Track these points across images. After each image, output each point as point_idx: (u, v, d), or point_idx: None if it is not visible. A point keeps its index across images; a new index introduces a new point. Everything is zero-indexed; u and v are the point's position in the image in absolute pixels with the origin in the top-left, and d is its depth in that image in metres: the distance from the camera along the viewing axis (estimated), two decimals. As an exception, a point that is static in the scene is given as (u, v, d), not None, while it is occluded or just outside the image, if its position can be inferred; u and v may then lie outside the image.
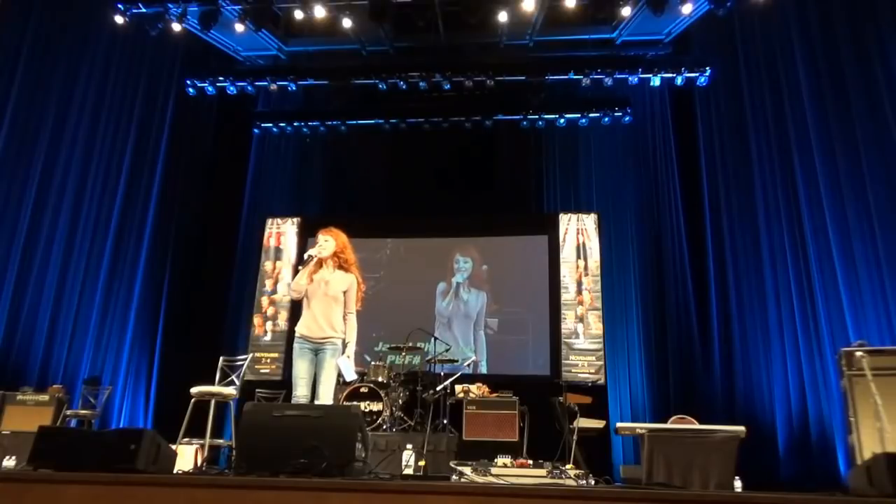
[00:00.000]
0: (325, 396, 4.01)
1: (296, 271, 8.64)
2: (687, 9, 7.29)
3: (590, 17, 7.90)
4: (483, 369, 7.84)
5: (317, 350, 4.10)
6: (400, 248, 8.72)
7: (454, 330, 8.18)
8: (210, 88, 8.71)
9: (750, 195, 6.96)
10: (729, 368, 6.93)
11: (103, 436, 2.98)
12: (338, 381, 4.36)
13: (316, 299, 4.11)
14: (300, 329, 4.15)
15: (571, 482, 4.21)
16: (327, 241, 4.21)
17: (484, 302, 8.29)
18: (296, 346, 4.16)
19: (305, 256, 4.18)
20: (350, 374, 4.09)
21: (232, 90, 8.73)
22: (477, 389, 6.18)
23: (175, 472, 3.22)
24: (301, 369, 4.10)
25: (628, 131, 8.55)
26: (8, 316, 6.48)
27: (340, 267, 4.20)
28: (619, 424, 4.58)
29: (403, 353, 7.02)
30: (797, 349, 6.22)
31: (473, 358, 6.62)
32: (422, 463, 5.10)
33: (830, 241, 5.99)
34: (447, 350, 6.89)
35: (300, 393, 4.05)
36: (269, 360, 8.26)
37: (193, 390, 5.10)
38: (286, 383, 7.61)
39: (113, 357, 7.44)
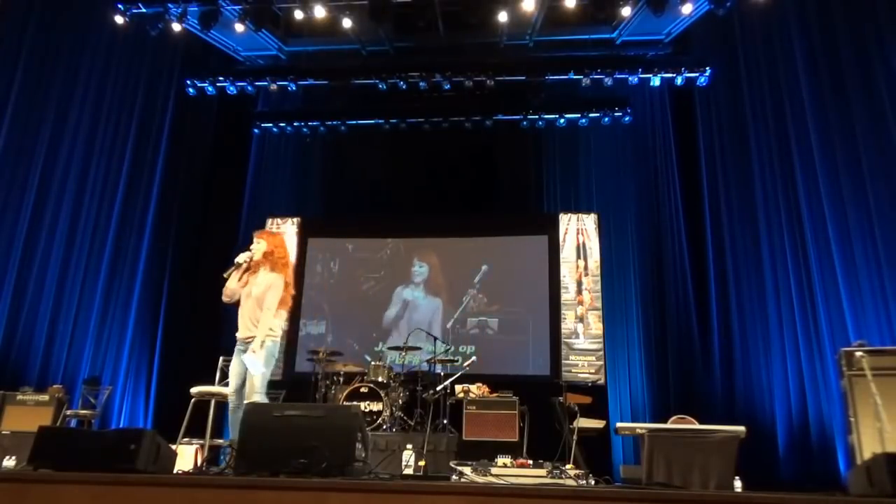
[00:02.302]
0: (252, 393, 4.01)
1: (295, 270, 8.65)
2: (687, 9, 7.29)
3: (590, 17, 7.90)
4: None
5: (246, 350, 4.13)
6: (400, 248, 8.71)
7: (401, 331, 8.14)
8: (210, 88, 8.71)
9: (750, 195, 6.96)
10: (729, 368, 6.93)
11: (103, 436, 2.98)
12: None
13: (243, 300, 4.25)
14: (237, 333, 4.27)
15: (571, 482, 4.21)
16: (258, 244, 4.32)
17: (438, 309, 8.27)
18: (235, 348, 4.27)
19: (234, 262, 4.26)
20: (257, 369, 4.02)
21: (232, 90, 8.73)
22: (477, 389, 6.17)
23: (175, 472, 3.22)
24: (232, 366, 4.22)
25: (628, 131, 8.54)
26: (8, 316, 6.48)
27: (272, 268, 4.28)
28: (619, 424, 4.58)
29: (403, 353, 7.03)
30: (797, 349, 6.22)
31: (474, 358, 6.62)
32: (422, 463, 5.10)
33: (830, 241, 5.99)
34: (447, 350, 6.89)
35: (226, 391, 4.19)
36: (269, 360, 8.24)
37: (193, 390, 5.10)
38: (286, 383, 7.66)
39: (113, 357, 7.44)
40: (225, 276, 4.26)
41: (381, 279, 8.54)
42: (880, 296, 5.54)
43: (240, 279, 4.27)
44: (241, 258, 4.27)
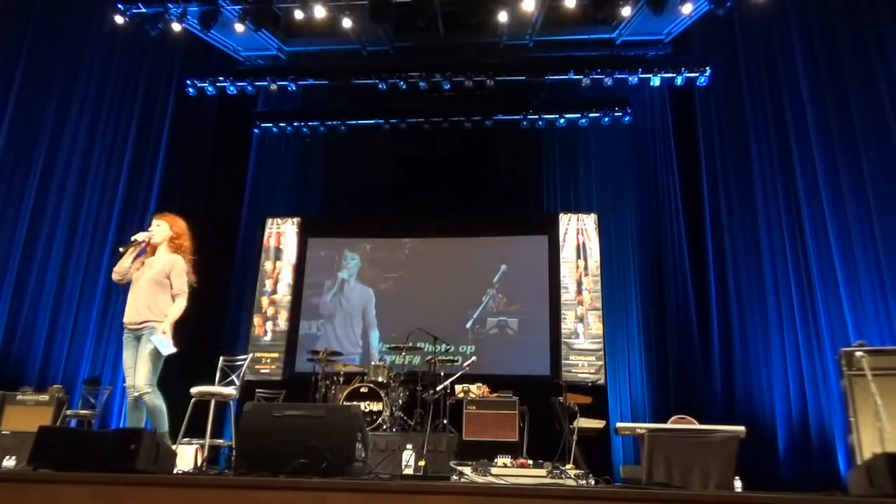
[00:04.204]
0: (139, 381, 3.79)
1: (296, 270, 8.67)
2: (687, 9, 7.29)
3: (590, 17, 7.90)
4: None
5: (139, 337, 3.93)
6: (402, 248, 8.72)
7: (335, 325, 8.29)
8: (210, 88, 8.71)
9: (750, 195, 6.96)
10: (729, 368, 6.93)
11: (103, 436, 2.98)
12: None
13: (137, 284, 4.00)
14: (124, 317, 4.00)
15: (571, 482, 4.21)
16: (159, 227, 4.14)
17: (370, 299, 8.37)
18: (123, 336, 4.01)
19: (131, 239, 4.06)
20: (167, 349, 3.87)
21: (232, 90, 8.73)
22: (477, 389, 6.18)
23: (175, 472, 3.22)
24: (126, 359, 3.94)
25: (628, 131, 8.55)
26: (8, 316, 6.47)
27: (175, 252, 4.14)
28: (619, 424, 4.58)
29: (403, 353, 7.03)
30: (797, 349, 6.22)
31: (474, 359, 6.62)
32: (422, 463, 5.10)
33: (830, 240, 5.99)
34: (447, 350, 6.88)
35: (127, 383, 3.90)
36: (269, 360, 8.26)
37: (193, 390, 5.10)
38: (286, 383, 7.67)
39: (113, 357, 7.43)
40: (121, 249, 4.06)
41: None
42: (880, 296, 5.53)
43: (134, 260, 4.05)
44: (141, 236, 4.05)
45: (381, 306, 8.39)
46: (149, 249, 4.12)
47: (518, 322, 8.08)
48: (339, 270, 8.59)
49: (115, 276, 4.06)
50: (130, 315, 3.96)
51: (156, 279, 4.00)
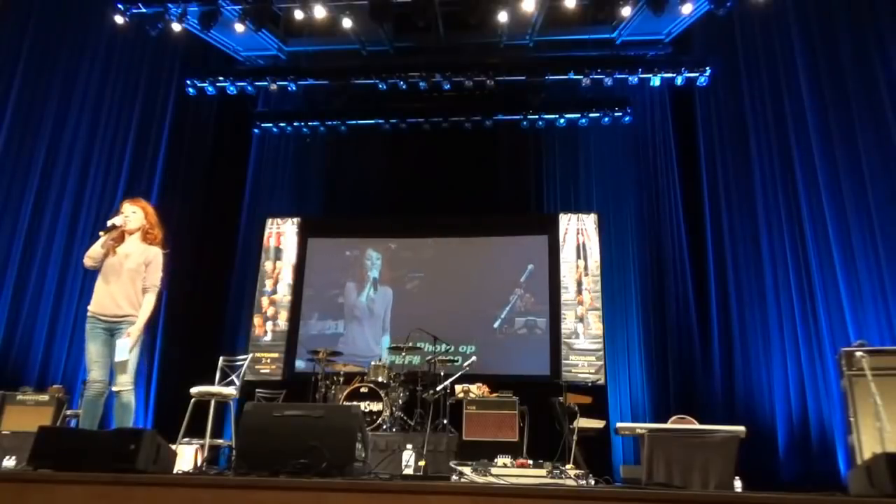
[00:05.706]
0: (126, 377, 3.74)
1: (295, 270, 8.67)
2: (687, 9, 7.29)
3: (590, 17, 7.91)
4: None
5: (112, 330, 3.79)
6: (403, 248, 8.71)
7: (364, 327, 8.29)
8: (210, 88, 8.71)
9: (750, 195, 6.97)
10: (729, 368, 6.93)
11: (103, 436, 2.98)
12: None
13: (115, 274, 3.83)
14: (93, 307, 3.81)
15: (571, 482, 4.21)
16: (135, 213, 4.00)
17: (390, 300, 8.36)
18: (88, 326, 3.80)
19: (109, 224, 3.90)
20: (121, 355, 3.69)
21: (232, 90, 8.73)
22: (477, 389, 6.18)
23: (175, 472, 3.22)
24: (93, 352, 3.75)
25: (628, 131, 8.55)
26: (8, 316, 6.48)
27: (151, 243, 4.02)
28: (619, 424, 4.58)
29: (403, 353, 7.03)
30: (797, 349, 6.22)
31: (474, 358, 6.62)
32: (422, 463, 5.10)
33: (830, 240, 5.99)
34: (448, 350, 6.86)
35: (94, 377, 3.73)
36: (269, 360, 8.26)
37: (193, 390, 5.11)
38: (286, 383, 7.67)
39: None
40: (101, 234, 3.89)
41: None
42: (880, 296, 5.54)
43: (103, 245, 3.86)
44: (118, 221, 3.90)
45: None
46: (118, 236, 3.94)
47: (546, 322, 7.98)
48: (370, 270, 8.55)
49: (88, 262, 3.87)
50: (108, 307, 3.80)
51: (137, 270, 3.88)
